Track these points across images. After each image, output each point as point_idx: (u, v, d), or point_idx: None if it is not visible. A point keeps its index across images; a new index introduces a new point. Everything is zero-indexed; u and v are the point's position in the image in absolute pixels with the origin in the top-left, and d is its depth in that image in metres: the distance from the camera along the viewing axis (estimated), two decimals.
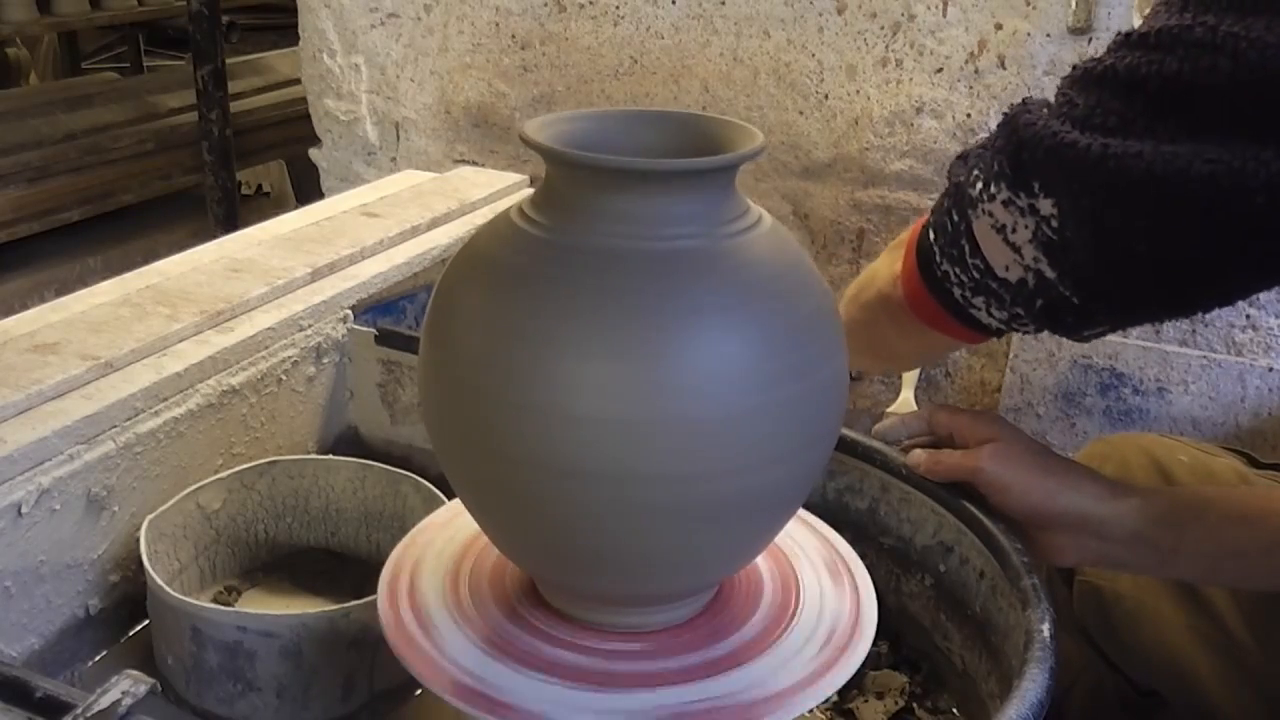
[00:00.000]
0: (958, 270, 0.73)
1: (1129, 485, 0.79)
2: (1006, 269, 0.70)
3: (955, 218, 0.72)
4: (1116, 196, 0.61)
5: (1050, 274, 0.68)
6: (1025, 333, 0.75)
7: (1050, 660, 0.67)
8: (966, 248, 0.72)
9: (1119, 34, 0.64)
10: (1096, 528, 0.76)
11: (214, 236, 1.25)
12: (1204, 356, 1.41)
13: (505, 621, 0.66)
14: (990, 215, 0.69)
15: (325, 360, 1.07)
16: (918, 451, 0.84)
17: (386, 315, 1.14)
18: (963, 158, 0.75)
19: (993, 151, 0.70)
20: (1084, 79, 0.65)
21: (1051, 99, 0.68)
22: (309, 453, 1.06)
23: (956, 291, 0.74)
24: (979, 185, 0.70)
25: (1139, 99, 0.61)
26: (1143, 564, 0.79)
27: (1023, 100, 0.70)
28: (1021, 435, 0.80)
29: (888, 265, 0.83)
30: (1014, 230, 0.68)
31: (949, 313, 0.76)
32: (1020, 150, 0.67)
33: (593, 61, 1.68)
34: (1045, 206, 0.66)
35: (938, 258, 0.74)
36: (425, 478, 0.93)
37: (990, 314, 0.73)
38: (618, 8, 1.64)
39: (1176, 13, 0.61)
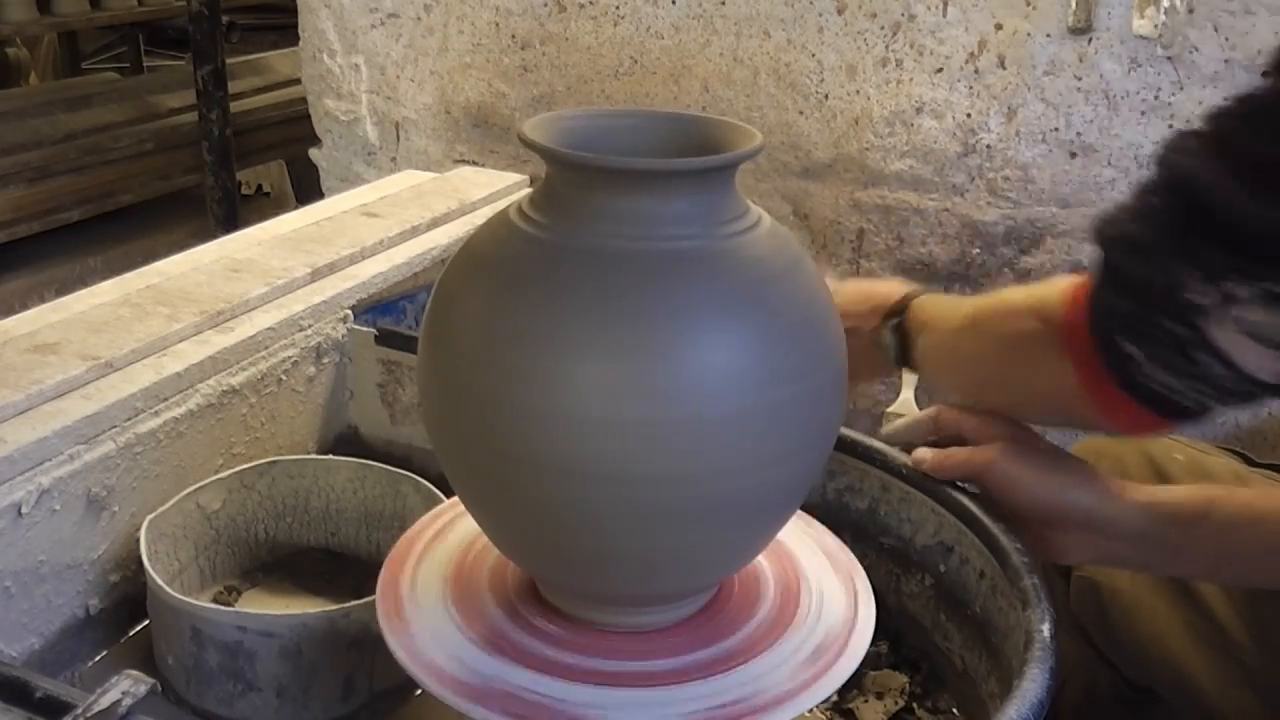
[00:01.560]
0: (1179, 379, 0.66)
1: (1136, 484, 0.79)
2: (1260, 368, 0.63)
3: (1180, 330, 0.64)
4: None
5: None
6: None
7: (1050, 660, 0.67)
8: (1201, 359, 0.64)
9: None
10: (1103, 525, 0.76)
11: (214, 236, 1.25)
12: None
13: (505, 621, 0.66)
14: (1237, 321, 0.62)
15: (325, 360, 1.07)
16: (923, 449, 0.84)
17: (386, 315, 1.14)
18: (1141, 251, 0.66)
19: (1209, 245, 0.61)
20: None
21: (1201, 143, 0.61)
22: (309, 453, 1.06)
23: (1175, 397, 0.68)
24: (1213, 292, 0.62)
25: None
26: (1148, 561, 0.79)
27: (1191, 173, 0.62)
28: (1030, 433, 0.80)
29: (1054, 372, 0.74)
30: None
31: (1155, 411, 0.70)
32: (1262, 243, 0.59)
33: (593, 61, 1.68)
34: None
35: (1145, 368, 0.67)
36: (425, 478, 0.93)
37: (1206, 402, 0.68)
38: (618, 8, 1.64)
39: None
